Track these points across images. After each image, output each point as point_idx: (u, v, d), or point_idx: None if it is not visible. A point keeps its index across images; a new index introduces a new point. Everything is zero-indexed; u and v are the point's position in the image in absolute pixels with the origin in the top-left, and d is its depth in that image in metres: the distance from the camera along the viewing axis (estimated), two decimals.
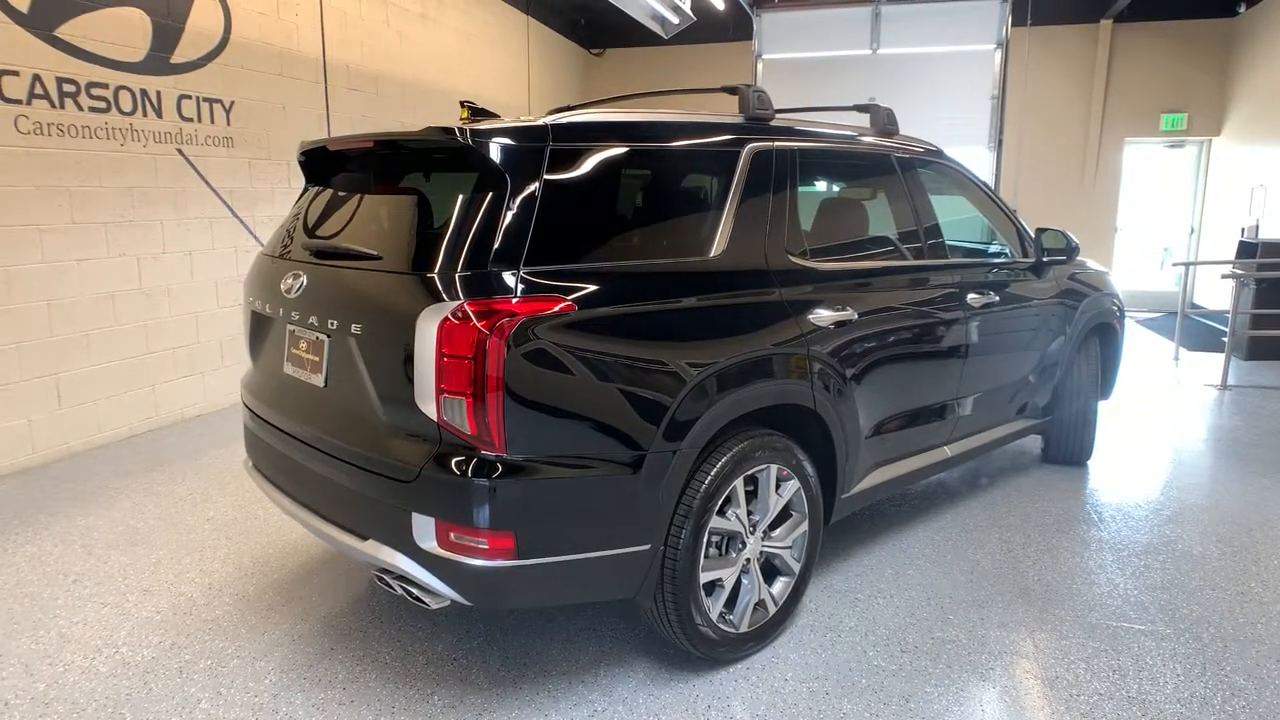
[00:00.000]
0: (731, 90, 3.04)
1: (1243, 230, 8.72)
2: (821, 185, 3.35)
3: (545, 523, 2.22)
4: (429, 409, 2.15)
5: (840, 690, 2.60)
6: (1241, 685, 2.62)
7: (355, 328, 2.31)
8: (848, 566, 3.43)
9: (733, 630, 2.68)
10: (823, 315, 2.85)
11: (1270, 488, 4.38)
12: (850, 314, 2.95)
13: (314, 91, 6.60)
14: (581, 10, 11.58)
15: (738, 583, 2.70)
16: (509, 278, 2.16)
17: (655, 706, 2.51)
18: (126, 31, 4.99)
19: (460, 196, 2.30)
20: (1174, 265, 8.97)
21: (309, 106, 6.53)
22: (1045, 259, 4.12)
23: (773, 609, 2.81)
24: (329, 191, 2.86)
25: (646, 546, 2.39)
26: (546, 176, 2.29)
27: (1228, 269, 7.14)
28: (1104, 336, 4.62)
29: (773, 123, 3.02)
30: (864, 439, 3.11)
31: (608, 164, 2.45)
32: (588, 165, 2.39)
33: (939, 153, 3.83)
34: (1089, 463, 4.73)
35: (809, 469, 2.84)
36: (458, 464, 2.14)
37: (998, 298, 3.73)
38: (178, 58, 5.34)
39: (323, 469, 2.50)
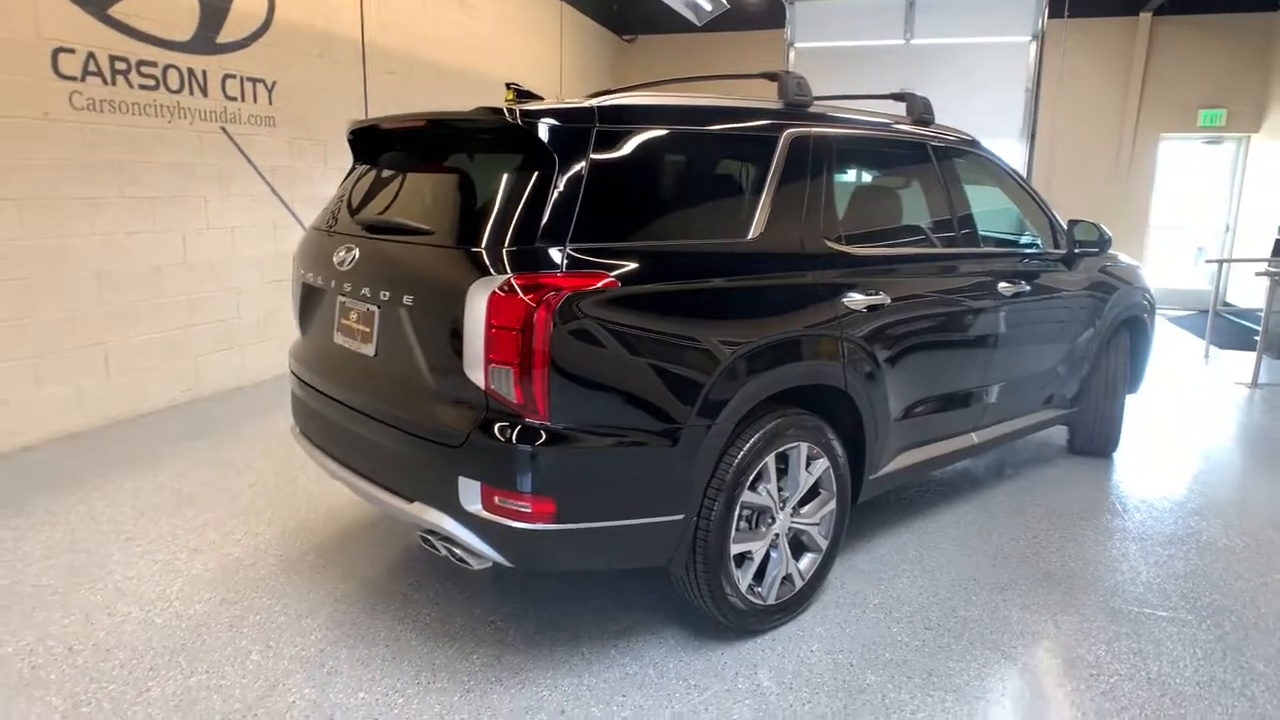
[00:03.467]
0: (771, 76, 3.10)
1: (1279, 228, 8.62)
2: (858, 172, 3.39)
3: (584, 489, 2.31)
4: (477, 377, 2.25)
5: (864, 662, 2.67)
6: (1261, 671, 2.66)
7: (407, 299, 2.41)
8: (872, 547, 3.50)
9: (760, 602, 2.76)
10: (856, 299, 2.91)
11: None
12: (883, 298, 3.01)
13: (353, 74, 6.71)
14: None
15: (766, 556, 2.78)
16: (555, 253, 2.25)
17: (685, 671, 2.60)
18: (175, 11, 5.11)
19: (508, 174, 2.39)
20: (1207, 262, 8.88)
21: (348, 88, 6.65)
22: (1077, 251, 4.14)
23: (799, 583, 2.89)
24: (379, 169, 2.96)
25: (680, 516, 2.47)
26: (593, 156, 2.37)
27: (1261, 266, 7.08)
28: (1134, 330, 4.63)
29: (810, 109, 3.07)
30: (893, 422, 3.16)
31: (651, 146, 2.52)
32: (632, 146, 2.47)
33: (974, 142, 3.86)
34: (1115, 455, 4.75)
35: (838, 449, 2.91)
36: (503, 431, 2.23)
37: (1028, 287, 3.76)
38: (223, 37, 5.46)
39: (372, 434, 2.60)
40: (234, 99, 5.57)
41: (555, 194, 2.29)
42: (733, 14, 10.79)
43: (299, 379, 3.08)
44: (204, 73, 5.33)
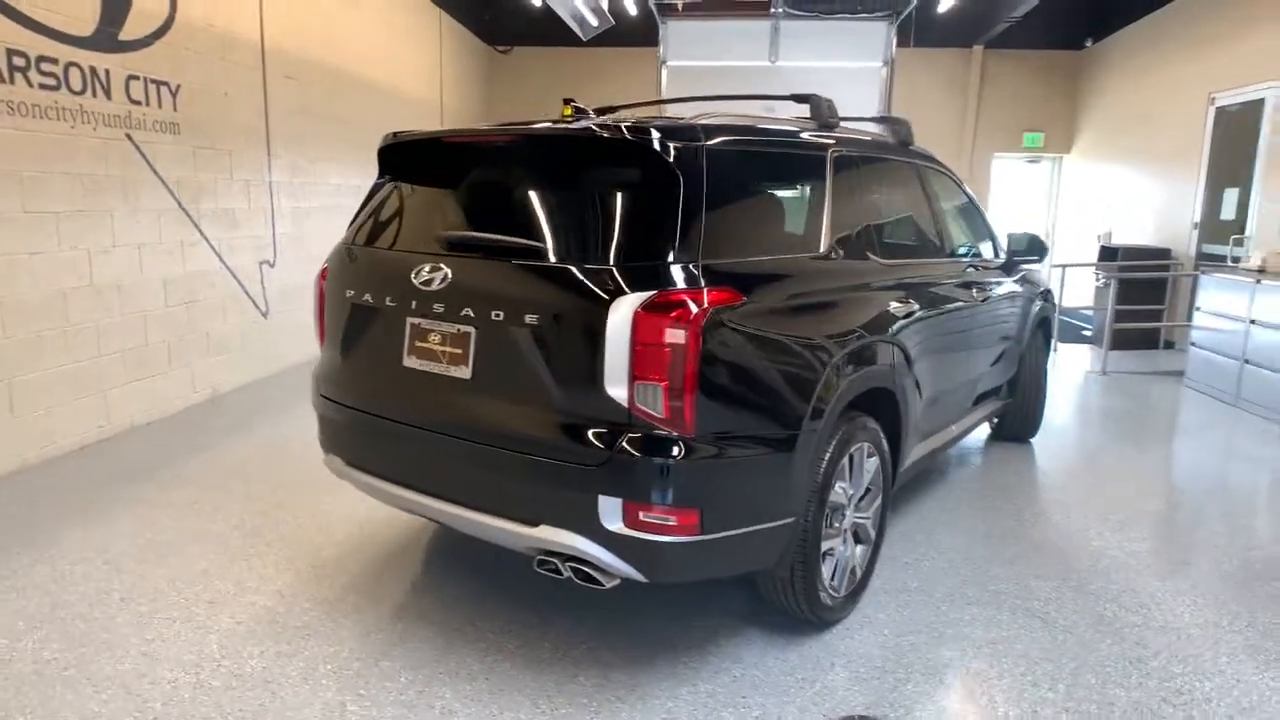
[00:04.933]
0: (802, 99, 3.28)
1: (1098, 237, 9.97)
2: (878, 189, 3.64)
3: (724, 499, 2.37)
4: (619, 394, 2.24)
5: (932, 640, 2.90)
6: (1244, 608, 3.15)
7: (529, 318, 2.35)
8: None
9: (835, 595, 2.92)
10: (897, 307, 3.14)
11: (1179, 448, 5.15)
12: (914, 305, 3.27)
13: (253, 78, 6.24)
14: (487, 5, 11.46)
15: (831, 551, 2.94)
16: (694, 270, 2.29)
17: (785, 667, 2.70)
18: (75, 1, 4.56)
19: (630, 192, 2.40)
20: (1052, 267, 10.10)
21: (249, 93, 6.17)
22: (1014, 259, 4.65)
23: (859, 575, 3.08)
24: (447, 185, 2.84)
25: (792, 519, 2.58)
26: (705, 174, 2.43)
27: (1097, 269, 8.17)
28: (1045, 328, 5.25)
29: (837, 131, 3.28)
30: (916, 418, 3.44)
31: (744, 163, 2.62)
32: (732, 164, 2.55)
33: (938, 161, 4.25)
34: (1033, 440, 5.35)
35: (885, 446, 3.13)
36: (650, 446, 2.24)
37: (992, 293, 4.20)
38: (126, 34, 4.93)
39: (472, 460, 2.50)
40: (138, 102, 5.04)
41: (682, 211, 2.33)
42: (610, 30, 10.98)
43: (344, 406, 2.88)
44: (107, 72, 4.78)
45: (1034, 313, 4.94)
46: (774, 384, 2.45)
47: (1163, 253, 8.90)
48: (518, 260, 2.47)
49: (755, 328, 2.40)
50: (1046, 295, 5.22)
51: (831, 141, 3.11)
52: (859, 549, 3.12)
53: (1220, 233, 8.26)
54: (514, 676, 2.61)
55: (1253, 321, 6.31)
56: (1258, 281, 6.35)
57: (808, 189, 2.99)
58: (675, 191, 2.35)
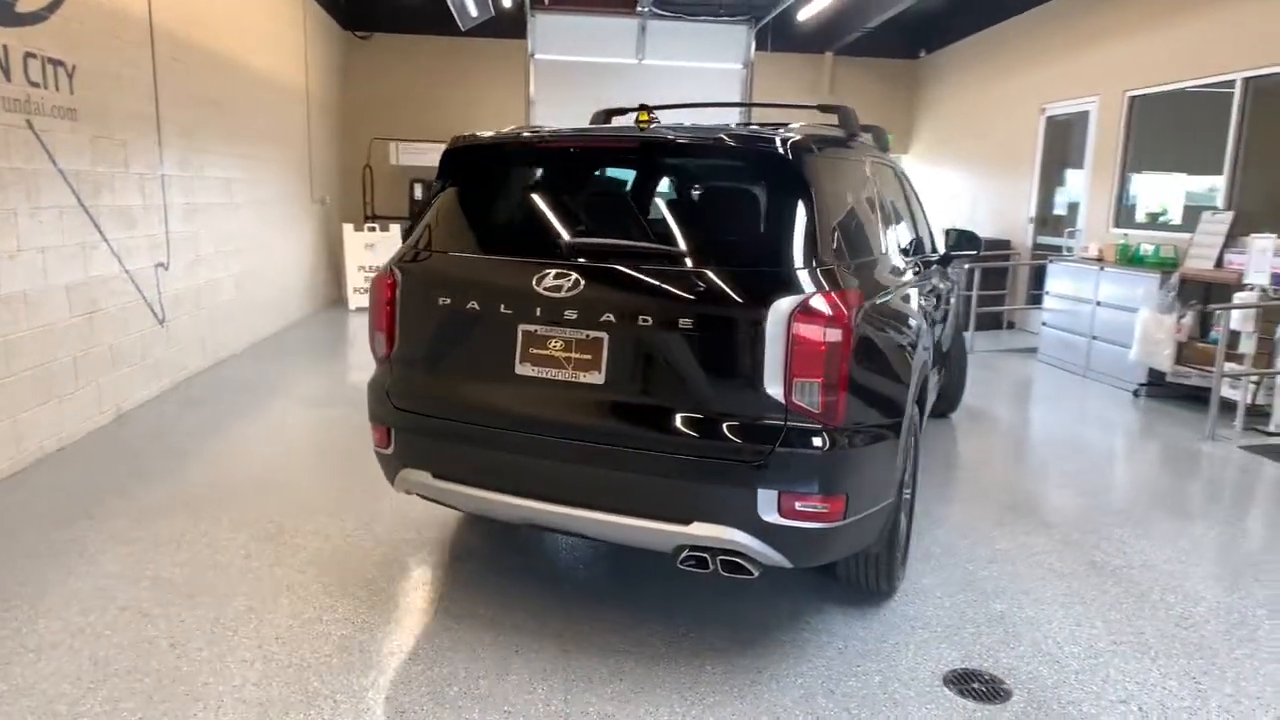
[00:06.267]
0: (831, 109, 3.50)
1: (946, 232, 11.12)
2: (889, 191, 3.93)
3: (861, 484, 2.55)
4: (776, 392, 2.36)
5: (978, 598, 3.25)
6: (1172, 558, 3.78)
7: (682, 322, 2.40)
8: None
9: (899, 567, 3.20)
10: (924, 301, 3.47)
11: (1051, 409, 5.99)
12: (928, 299, 3.62)
13: (143, 59, 5.59)
14: None
15: None
16: (834, 272, 2.45)
17: (876, 636, 2.94)
18: None
19: (767, 197, 2.51)
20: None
21: (139, 76, 5.52)
22: (951, 253, 5.17)
23: (906, 547, 3.38)
24: (560, 190, 2.80)
25: (892, 499, 2.81)
26: (824, 181, 2.59)
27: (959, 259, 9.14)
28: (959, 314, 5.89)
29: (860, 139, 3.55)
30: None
31: (839, 170, 2.82)
32: (834, 172, 2.74)
33: (896, 162, 4.66)
34: (953, 415, 5.98)
35: (918, 423, 3.45)
36: (809, 439, 2.38)
37: (945, 285, 4.67)
38: (23, 4, 4.28)
39: (609, 463, 2.51)
40: (37, 85, 4.39)
41: (815, 216, 2.48)
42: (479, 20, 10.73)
43: (434, 418, 2.76)
44: (5, 48, 4.14)
45: (954, 301, 5.53)
46: (889, 375, 2.67)
47: (1003, 244, 10.10)
48: (659, 266, 2.50)
49: (876, 324, 2.60)
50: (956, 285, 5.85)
51: (869, 149, 3.37)
52: (904, 522, 3.42)
53: (1055, 226, 9.51)
54: (644, 675, 2.66)
55: (1099, 303, 7.38)
56: (1101, 269, 7.44)
57: (864, 194, 3.23)
58: (809, 198, 2.49)
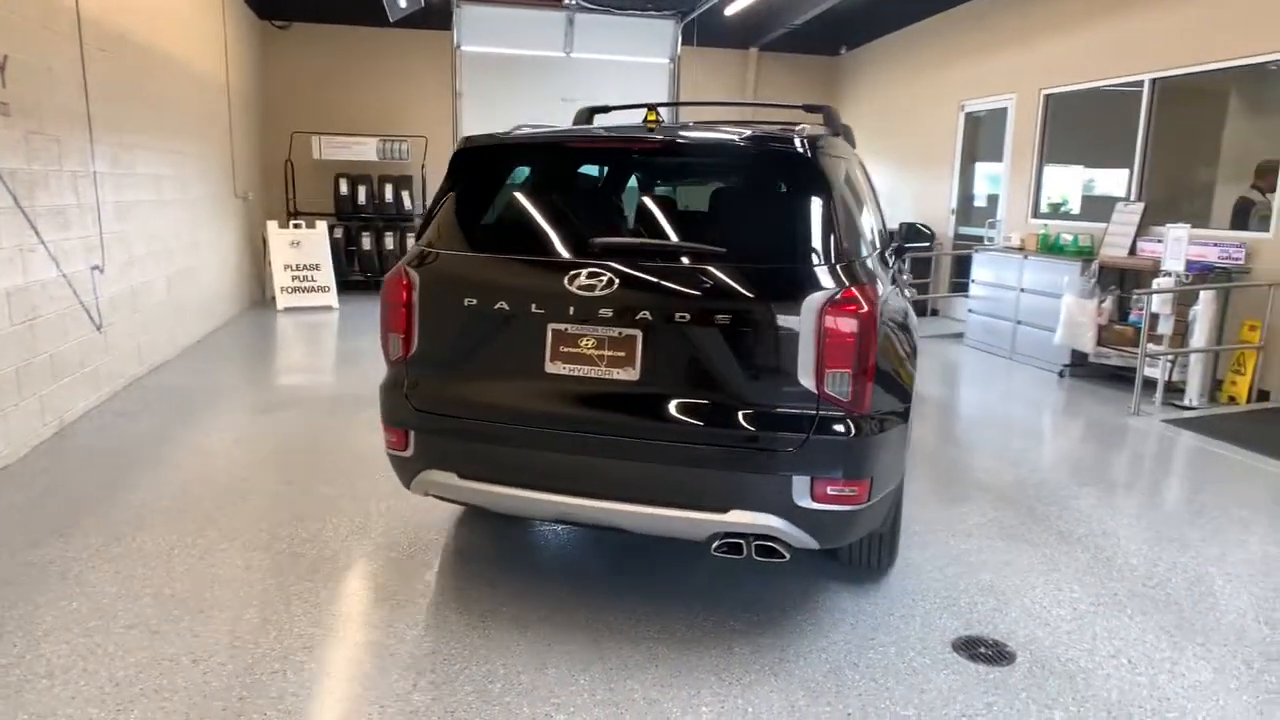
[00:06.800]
0: (815, 109, 3.65)
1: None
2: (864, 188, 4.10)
3: (882, 468, 2.70)
4: (809, 383, 2.48)
5: (966, 569, 3.47)
6: (1144, 509, 4.13)
7: (718, 318, 2.48)
8: None
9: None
10: (905, 290, 3.67)
11: (985, 390, 6.39)
12: (904, 290, 3.82)
13: (71, 50, 5.26)
14: None
15: None
16: (856, 266, 2.59)
17: (882, 610, 3.11)
18: None
19: (791, 196, 2.63)
20: None
21: (68, 68, 5.20)
22: (905, 246, 5.43)
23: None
24: (586, 190, 2.83)
25: (901, 480, 2.98)
26: (835, 179, 2.73)
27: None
28: None
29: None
30: None
31: (841, 169, 2.95)
32: (838, 170, 2.87)
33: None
34: None
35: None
36: (839, 427, 2.51)
37: (906, 277, 4.92)
38: None
39: (646, 457, 2.57)
40: None
41: (833, 213, 2.61)
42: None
43: (458, 418, 2.76)
44: None
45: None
46: (901, 363, 2.84)
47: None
48: (689, 264, 2.58)
49: (889, 315, 2.75)
50: None
51: (849, 147, 3.53)
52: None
53: (975, 217, 10.04)
54: (678, 660, 2.74)
55: (1023, 290, 7.86)
56: (1025, 257, 7.93)
57: (858, 190, 3.38)
58: (829, 195, 2.62)
